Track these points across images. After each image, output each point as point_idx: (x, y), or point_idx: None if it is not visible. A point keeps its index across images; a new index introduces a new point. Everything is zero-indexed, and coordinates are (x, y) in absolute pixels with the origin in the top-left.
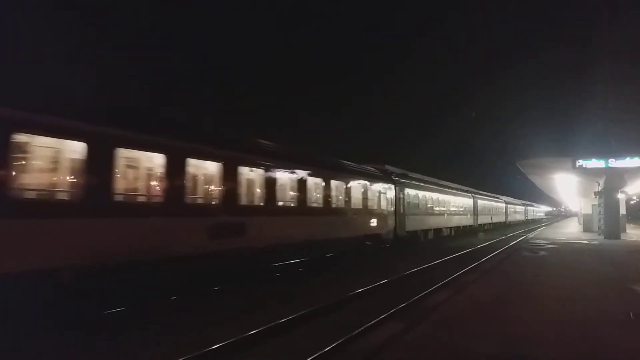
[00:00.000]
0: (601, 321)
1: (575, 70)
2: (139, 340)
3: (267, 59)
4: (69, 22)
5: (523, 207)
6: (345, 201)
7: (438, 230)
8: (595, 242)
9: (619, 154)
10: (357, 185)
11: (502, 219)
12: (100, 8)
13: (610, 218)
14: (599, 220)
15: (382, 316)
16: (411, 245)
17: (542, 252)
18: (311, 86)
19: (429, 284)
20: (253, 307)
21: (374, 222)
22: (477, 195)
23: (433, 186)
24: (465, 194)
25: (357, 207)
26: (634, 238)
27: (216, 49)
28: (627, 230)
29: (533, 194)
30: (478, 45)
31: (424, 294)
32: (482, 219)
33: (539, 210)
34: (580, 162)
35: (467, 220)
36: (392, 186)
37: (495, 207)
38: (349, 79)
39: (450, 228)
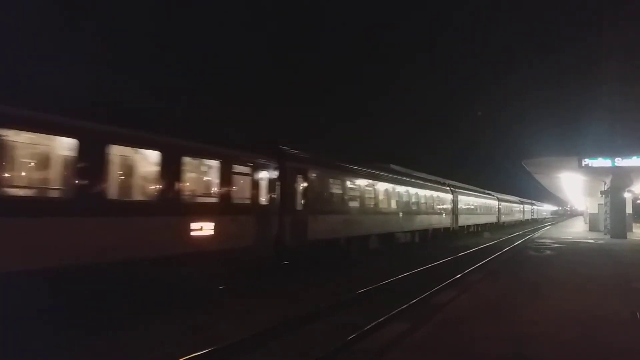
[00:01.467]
0: (608, 321)
1: (581, 70)
2: (139, 341)
3: (272, 60)
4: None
5: (521, 206)
6: (124, 187)
7: (388, 236)
8: (601, 242)
9: (625, 152)
10: (172, 160)
11: (492, 219)
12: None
13: (617, 217)
14: (605, 219)
15: None
16: (318, 264)
17: (548, 252)
18: (316, 87)
19: None
20: None
21: (212, 229)
22: (458, 190)
23: (376, 172)
24: (438, 186)
25: (167, 201)
26: None
27: (217, 48)
28: (634, 230)
29: (538, 193)
30: (484, 46)
31: None
32: (465, 220)
33: (543, 209)
34: (587, 161)
35: (440, 221)
36: (273, 166)
37: (484, 205)
38: (356, 81)
39: (413, 232)
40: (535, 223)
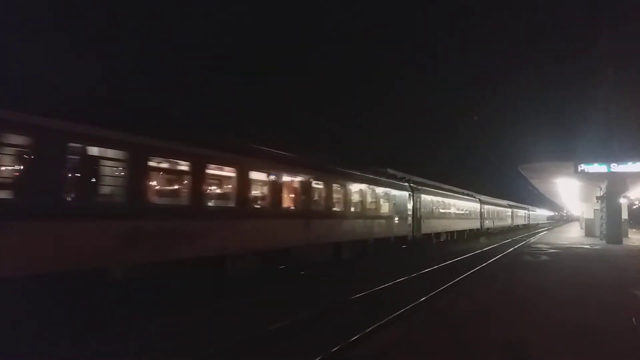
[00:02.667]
0: (604, 326)
1: (577, 76)
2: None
3: (273, 64)
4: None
5: (510, 210)
6: None
7: (280, 254)
8: (597, 247)
9: (621, 158)
10: None
11: (473, 225)
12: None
13: (612, 223)
14: (601, 225)
15: None
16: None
17: (544, 257)
18: (316, 94)
19: None
20: None
21: None
22: (421, 187)
23: (249, 145)
24: (390, 181)
25: None
26: (636, 243)
27: (214, 51)
28: (629, 235)
29: (534, 198)
30: (481, 50)
31: None
32: (432, 226)
33: (537, 214)
34: (582, 167)
35: (389, 228)
36: None
37: (462, 208)
38: (353, 84)
39: (337, 245)
40: (528, 229)
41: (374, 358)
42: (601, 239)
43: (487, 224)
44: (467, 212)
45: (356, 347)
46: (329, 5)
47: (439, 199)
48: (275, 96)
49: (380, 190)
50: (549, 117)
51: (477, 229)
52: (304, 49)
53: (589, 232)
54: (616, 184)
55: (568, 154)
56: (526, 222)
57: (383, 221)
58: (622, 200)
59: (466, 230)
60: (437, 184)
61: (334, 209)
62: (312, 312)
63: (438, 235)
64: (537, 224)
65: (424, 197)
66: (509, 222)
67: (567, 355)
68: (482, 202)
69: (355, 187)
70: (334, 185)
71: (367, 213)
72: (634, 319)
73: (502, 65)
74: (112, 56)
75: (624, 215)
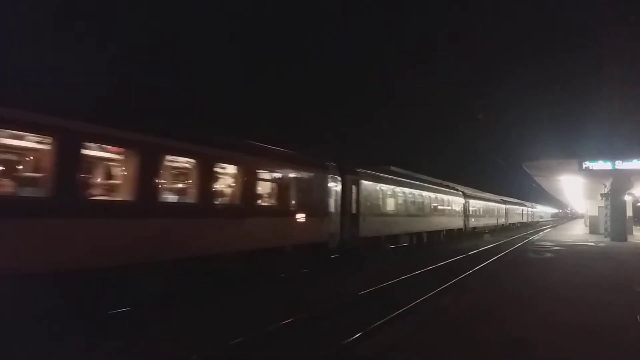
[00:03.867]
0: (608, 324)
1: (582, 73)
2: (144, 341)
3: (278, 62)
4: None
5: (503, 206)
6: None
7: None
8: (602, 245)
9: (625, 155)
10: None
11: (454, 223)
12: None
13: (617, 220)
14: (606, 222)
15: None
16: None
17: (548, 254)
18: (321, 95)
19: None
20: None
21: None
22: (363, 171)
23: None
24: (283, 152)
25: None
26: None
27: (215, 54)
28: (634, 233)
29: (539, 195)
30: (484, 48)
31: None
32: (381, 225)
33: (538, 211)
34: (587, 164)
35: (286, 231)
36: None
37: (436, 202)
38: (355, 82)
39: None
40: (532, 227)
41: None
42: (606, 237)
43: (474, 223)
44: (445, 207)
45: None
46: (333, 6)
47: (398, 189)
48: (281, 96)
49: (259, 169)
50: (553, 114)
51: (460, 229)
52: (308, 50)
53: (593, 229)
54: (621, 181)
55: (572, 151)
56: (525, 220)
57: (274, 220)
58: (627, 198)
59: (443, 231)
60: (394, 169)
61: (132, 197)
62: None
63: (393, 238)
64: (539, 221)
65: (366, 184)
66: (502, 220)
67: (571, 354)
68: (466, 195)
69: (189, 161)
70: (129, 156)
71: (221, 207)
72: (639, 317)
73: (506, 63)
74: (121, 58)
75: (629, 212)
